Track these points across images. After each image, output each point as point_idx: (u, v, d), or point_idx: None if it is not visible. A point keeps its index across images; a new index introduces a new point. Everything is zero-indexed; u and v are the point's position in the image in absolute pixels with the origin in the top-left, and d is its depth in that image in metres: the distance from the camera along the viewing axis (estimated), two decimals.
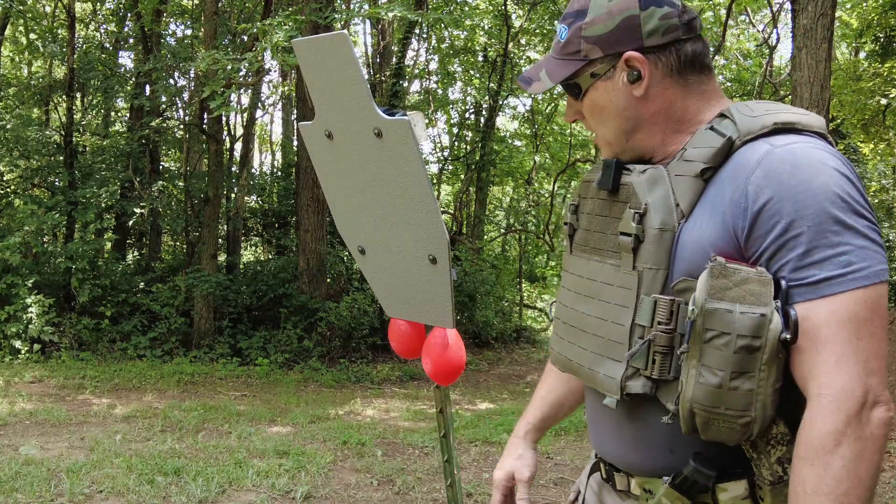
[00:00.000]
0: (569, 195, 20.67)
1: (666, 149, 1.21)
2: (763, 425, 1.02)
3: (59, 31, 12.44)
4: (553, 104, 16.46)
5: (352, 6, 13.21)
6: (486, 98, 14.69)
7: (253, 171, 16.44)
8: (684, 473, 1.10)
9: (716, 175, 1.10)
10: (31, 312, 8.86)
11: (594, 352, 1.19)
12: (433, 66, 15.40)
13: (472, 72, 15.61)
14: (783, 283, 1.02)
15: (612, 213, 1.19)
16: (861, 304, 1.00)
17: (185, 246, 12.68)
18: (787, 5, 10.20)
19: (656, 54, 1.17)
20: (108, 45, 13.04)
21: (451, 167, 16.46)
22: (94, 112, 12.76)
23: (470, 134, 16.26)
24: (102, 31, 13.49)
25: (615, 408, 1.15)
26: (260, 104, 15.20)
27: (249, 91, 13.36)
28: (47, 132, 11.55)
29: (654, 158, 1.22)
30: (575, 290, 1.26)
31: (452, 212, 15.67)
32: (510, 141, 17.25)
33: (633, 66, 1.18)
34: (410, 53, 13.84)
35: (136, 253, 13.76)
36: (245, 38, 10.66)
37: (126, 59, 14.24)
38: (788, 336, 0.99)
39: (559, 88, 1.32)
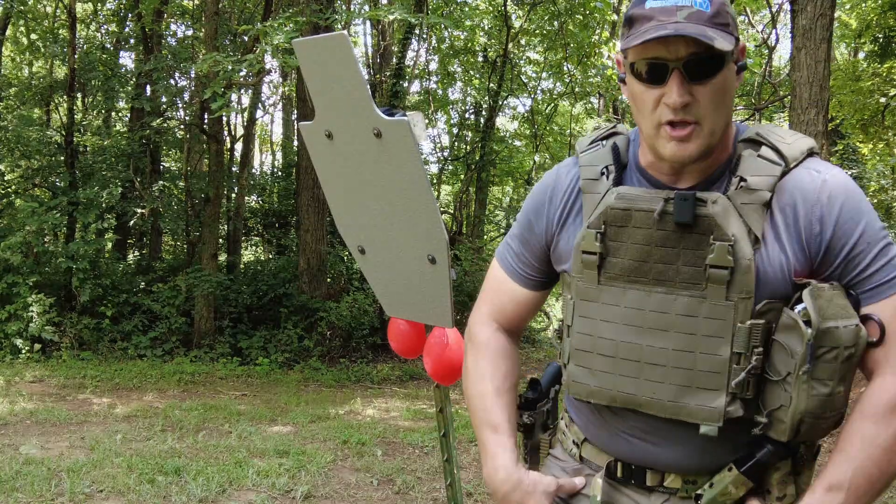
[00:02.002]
0: None
1: (718, 157, 1.22)
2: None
3: (60, 32, 12.44)
4: (553, 105, 16.46)
5: (352, 7, 13.22)
6: (486, 98, 14.69)
7: (253, 171, 16.45)
8: (757, 457, 1.19)
9: (771, 201, 1.16)
10: (32, 312, 8.87)
11: (678, 384, 1.19)
12: (433, 66, 15.40)
13: (472, 72, 15.60)
14: (853, 291, 1.15)
15: (684, 244, 1.18)
16: None
17: (185, 246, 12.69)
18: (787, 6, 10.21)
19: None
20: (108, 46, 13.05)
21: (451, 167, 16.45)
22: (94, 112, 12.77)
23: (470, 134, 16.26)
24: (103, 31, 13.50)
25: (716, 435, 1.17)
26: (260, 104, 15.21)
27: (250, 91, 13.37)
28: (48, 132, 11.56)
29: (703, 164, 1.21)
30: (631, 324, 1.22)
31: (452, 212, 15.67)
32: (510, 141, 17.22)
33: (740, 58, 1.20)
34: (410, 54, 13.84)
35: (136, 253, 13.77)
36: (245, 38, 10.67)
37: (127, 60, 14.27)
38: (875, 339, 1.13)
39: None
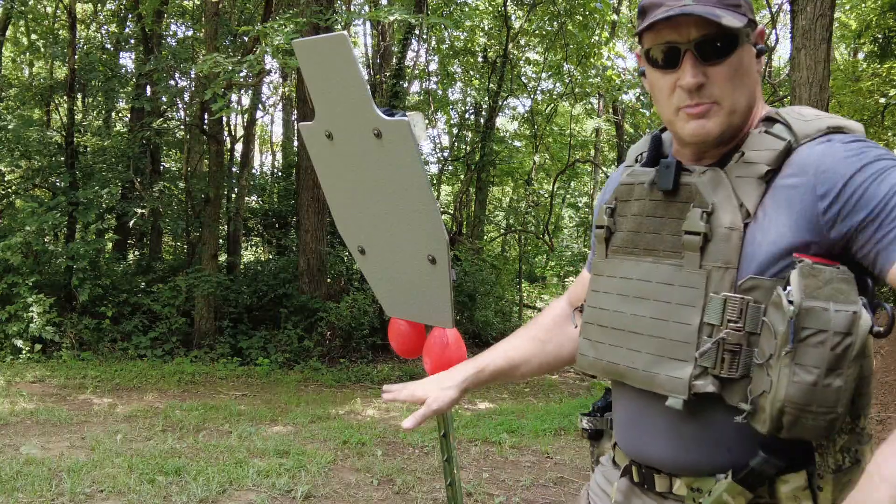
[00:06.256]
0: (568, 195, 20.65)
1: (737, 137, 1.19)
2: (844, 420, 1.05)
3: (61, 32, 12.45)
4: (553, 105, 16.47)
5: (352, 8, 13.23)
6: (486, 99, 14.70)
7: (253, 171, 16.46)
8: (751, 466, 1.11)
9: (776, 177, 1.11)
10: (33, 312, 8.88)
11: (652, 353, 1.17)
12: (433, 66, 15.42)
13: (471, 72, 15.62)
14: (872, 254, 1.04)
15: (669, 213, 1.19)
16: None
17: (185, 246, 12.70)
18: (786, 6, 10.22)
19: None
20: (109, 46, 13.06)
21: (451, 167, 16.47)
22: (95, 113, 12.78)
23: (470, 134, 16.27)
24: (103, 31, 13.51)
25: (681, 408, 1.12)
26: (260, 105, 15.22)
27: (250, 92, 13.38)
28: (48, 133, 11.56)
29: (723, 144, 1.19)
30: (622, 293, 1.24)
31: (452, 212, 15.68)
32: (510, 141, 17.25)
33: (759, 41, 1.20)
34: (410, 54, 13.86)
35: (136, 253, 13.78)
36: (245, 39, 10.68)
37: (127, 60, 14.28)
38: (882, 329, 1.02)
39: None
